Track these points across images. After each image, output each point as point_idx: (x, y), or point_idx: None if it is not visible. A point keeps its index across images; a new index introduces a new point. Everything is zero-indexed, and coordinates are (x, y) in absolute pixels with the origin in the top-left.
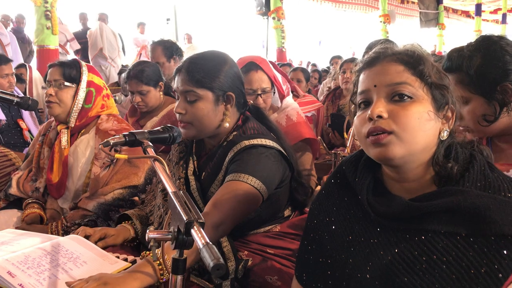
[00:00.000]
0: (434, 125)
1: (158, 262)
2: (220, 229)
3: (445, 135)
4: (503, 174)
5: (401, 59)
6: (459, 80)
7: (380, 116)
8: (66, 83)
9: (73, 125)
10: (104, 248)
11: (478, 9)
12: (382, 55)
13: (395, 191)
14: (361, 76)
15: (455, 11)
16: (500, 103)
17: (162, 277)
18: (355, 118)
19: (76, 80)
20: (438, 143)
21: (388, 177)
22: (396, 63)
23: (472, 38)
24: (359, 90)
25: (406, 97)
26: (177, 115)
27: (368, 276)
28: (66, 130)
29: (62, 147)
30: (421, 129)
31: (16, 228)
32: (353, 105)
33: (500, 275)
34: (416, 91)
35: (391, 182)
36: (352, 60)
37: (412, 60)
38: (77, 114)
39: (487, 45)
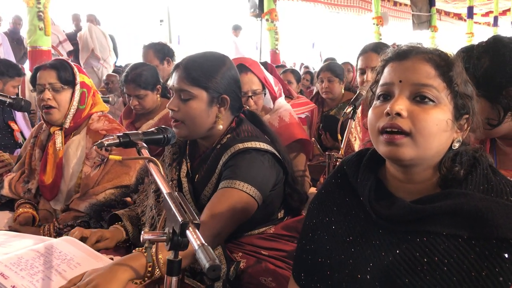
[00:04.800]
0: (449, 135)
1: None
2: (218, 239)
3: (457, 145)
4: (506, 178)
5: (433, 60)
6: None
7: (398, 114)
8: (64, 87)
9: (67, 127)
10: (98, 250)
11: (470, 12)
12: (414, 51)
13: (398, 192)
14: (387, 68)
15: (447, 13)
16: (505, 107)
17: (149, 274)
18: (370, 109)
19: (71, 82)
20: (448, 149)
21: (392, 177)
22: (427, 63)
23: (464, 40)
24: (381, 82)
25: (429, 100)
26: (170, 111)
27: (368, 277)
28: (60, 131)
29: (57, 148)
30: (437, 136)
31: (9, 227)
32: (372, 94)
33: (501, 278)
34: (441, 97)
35: (395, 183)
36: (329, 69)
37: (444, 64)
38: (72, 116)
39: (497, 47)
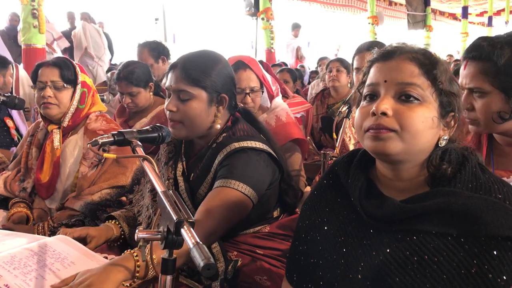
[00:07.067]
0: (436, 132)
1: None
2: (212, 238)
3: (443, 143)
4: (494, 175)
5: (417, 59)
6: (484, 70)
7: (384, 114)
8: (66, 85)
9: (65, 125)
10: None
11: (465, 12)
12: (398, 51)
13: (388, 191)
14: (373, 68)
15: (442, 13)
16: None
17: (137, 274)
18: (357, 109)
19: (73, 81)
20: (435, 146)
21: (382, 176)
22: (411, 62)
23: (458, 40)
24: (368, 82)
25: (413, 99)
26: (168, 112)
27: (359, 276)
28: (58, 130)
29: (55, 147)
30: (424, 133)
31: (3, 226)
32: (359, 95)
33: (490, 275)
34: (425, 95)
35: (385, 182)
36: (338, 60)
37: (428, 62)
38: (71, 115)
39: None
